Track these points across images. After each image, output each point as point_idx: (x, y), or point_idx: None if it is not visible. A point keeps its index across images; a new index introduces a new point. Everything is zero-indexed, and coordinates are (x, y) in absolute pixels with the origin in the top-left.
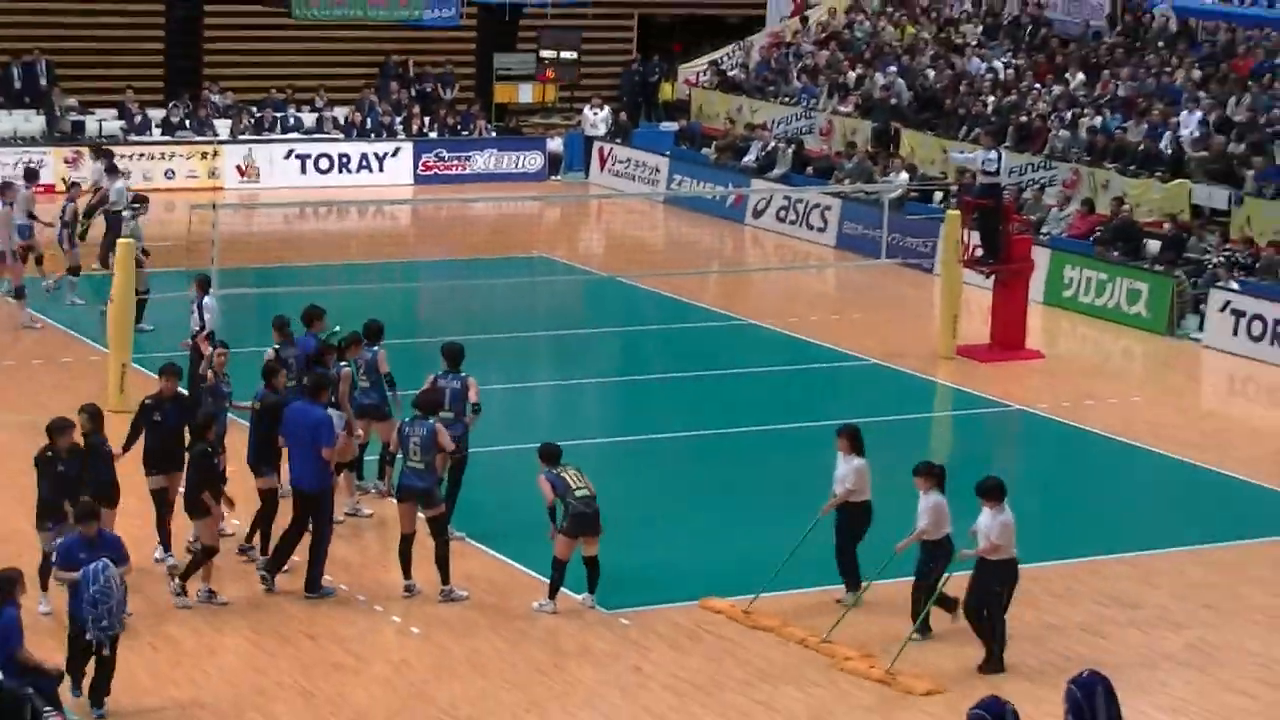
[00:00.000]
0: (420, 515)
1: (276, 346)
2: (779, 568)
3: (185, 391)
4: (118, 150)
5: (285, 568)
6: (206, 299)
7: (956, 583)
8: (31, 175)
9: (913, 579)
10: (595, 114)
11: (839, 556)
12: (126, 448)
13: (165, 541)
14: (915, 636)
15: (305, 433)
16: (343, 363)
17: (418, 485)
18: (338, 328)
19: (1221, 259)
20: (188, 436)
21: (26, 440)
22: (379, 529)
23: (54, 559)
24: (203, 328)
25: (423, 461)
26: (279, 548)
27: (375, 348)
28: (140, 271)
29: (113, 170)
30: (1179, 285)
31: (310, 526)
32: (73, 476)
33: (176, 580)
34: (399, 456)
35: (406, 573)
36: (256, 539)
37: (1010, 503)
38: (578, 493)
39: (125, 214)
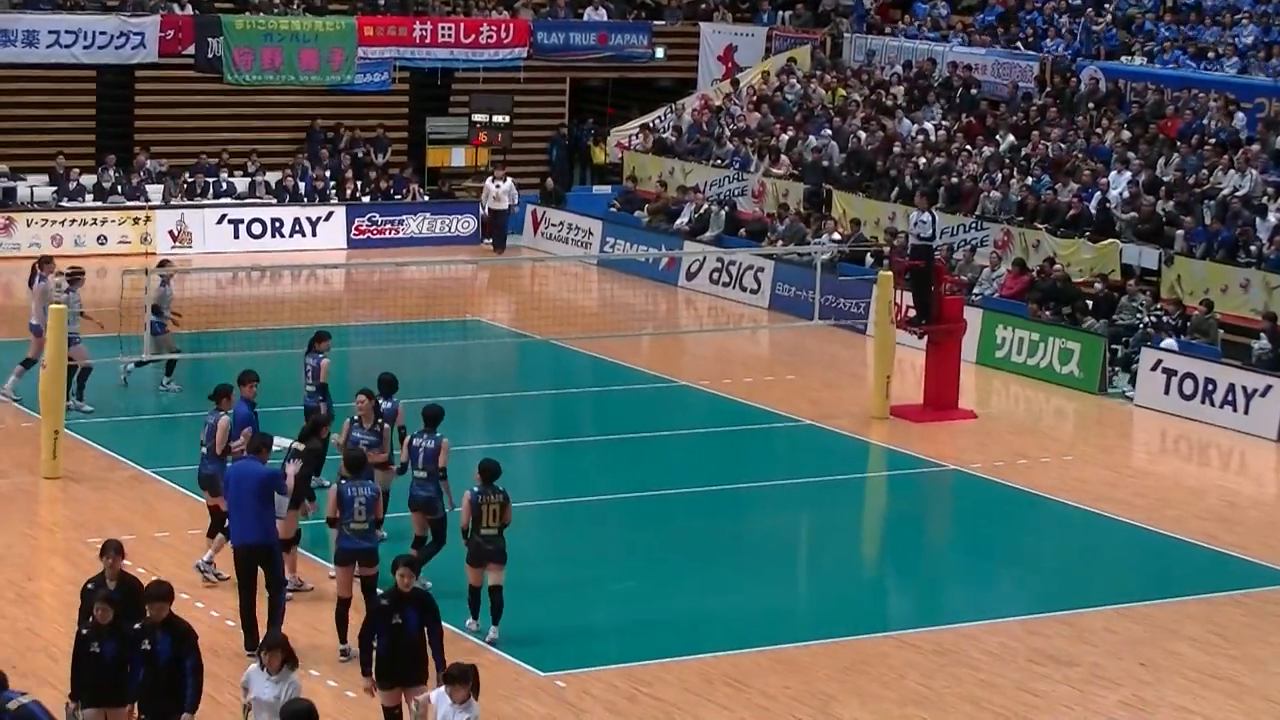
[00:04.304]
0: (356, 575)
1: None
2: None
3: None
4: (49, 216)
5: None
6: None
7: None
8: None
9: None
10: (497, 186)
11: None
12: None
13: None
14: None
15: (249, 490)
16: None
17: (362, 546)
18: None
19: (1152, 319)
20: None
21: None
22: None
23: None
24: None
25: (367, 522)
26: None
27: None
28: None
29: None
30: (1109, 343)
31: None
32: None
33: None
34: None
35: (342, 637)
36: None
37: (945, 563)
38: (484, 531)
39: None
